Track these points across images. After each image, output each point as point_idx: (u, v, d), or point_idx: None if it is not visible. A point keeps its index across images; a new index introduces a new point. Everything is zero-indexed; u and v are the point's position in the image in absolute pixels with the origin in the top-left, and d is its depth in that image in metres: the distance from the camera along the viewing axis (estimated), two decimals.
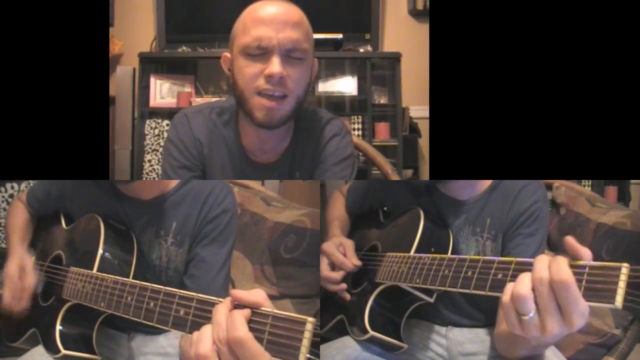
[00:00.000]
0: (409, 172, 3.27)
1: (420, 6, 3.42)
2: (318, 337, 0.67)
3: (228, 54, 1.19)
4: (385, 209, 1.35)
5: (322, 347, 1.19)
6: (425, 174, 3.41)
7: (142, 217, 1.17)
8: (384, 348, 1.18)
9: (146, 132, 3.04)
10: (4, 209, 2.23)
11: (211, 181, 1.20)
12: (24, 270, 1.16)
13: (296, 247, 1.46)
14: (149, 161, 3.01)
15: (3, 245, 2.36)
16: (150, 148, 3.02)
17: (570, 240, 0.75)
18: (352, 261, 1.22)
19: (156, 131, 3.03)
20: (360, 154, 1.70)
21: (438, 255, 1.03)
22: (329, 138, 1.27)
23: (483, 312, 1.23)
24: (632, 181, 3.37)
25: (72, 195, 1.23)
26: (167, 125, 3.02)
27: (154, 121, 3.04)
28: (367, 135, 3.12)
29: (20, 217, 1.31)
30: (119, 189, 1.18)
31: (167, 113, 3.08)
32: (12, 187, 2.25)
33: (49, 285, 1.17)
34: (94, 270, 1.05)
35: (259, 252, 1.52)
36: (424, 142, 3.43)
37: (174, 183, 1.19)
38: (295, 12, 1.14)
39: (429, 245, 1.14)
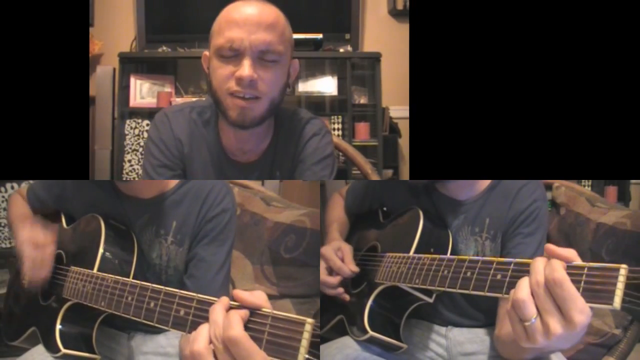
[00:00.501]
0: (389, 172, 3.28)
1: (400, 6, 3.42)
2: (318, 337, 0.67)
3: (207, 53, 1.20)
4: (384, 209, 1.35)
5: (322, 347, 1.19)
6: (405, 174, 3.40)
7: (142, 216, 1.17)
8: (383, 348, 1.18)
9: (126, 132, 3.04)
10: (4, 209, 2.23)
11: (211, 181, 1.20)
12: (38, 237, 1.14)
13: (296, 247, 1.46)
14: (129, 161, 3.01)
15: (3, 245, 2.36)
16: (130, 148, 3.02)
17: (549, 247, 0.76)
18: (350, 267, 1.22)
19: (136, 131, 3.04)
20: (340, 154, 1.70)
21: (437, 256, 1.03)
22: (308, 138, 1.27)
23: (483, 312, 1.23)
24: (632, 181, 3.37)
25: (73, 194, 1.23)
26: (147, 125, 3.02)
27: (134, 121, 3.04)
28: (347, 135, 3.14)
29: (22, 208, 1.31)
30: (119, 188, 1.18)
31: (147, 113, 3.08)
32: (12, 187, 2.25)
33: (49, 284, 1.17)
34: (95, 270, 1.06)
35: (259, 252, 1.52)
36: (404, 142, 3.44)
37: (173, 182, 1.19)
38: (270, 14, 1.13)
39: (428, 245, 1.14)
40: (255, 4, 1.13)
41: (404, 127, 3.36)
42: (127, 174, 2.99)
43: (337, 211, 1.47)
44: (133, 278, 1.01)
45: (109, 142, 2.98)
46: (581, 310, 0.70)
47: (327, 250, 1.26)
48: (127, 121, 3.04)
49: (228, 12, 1.13)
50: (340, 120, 3.18)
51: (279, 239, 1.49)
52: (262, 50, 1.11)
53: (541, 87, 1.11)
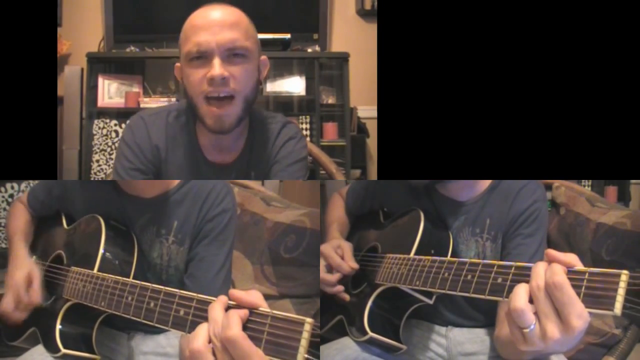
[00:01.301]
0: (357, 172, 3.30)
1: (368, 6, 3.43)
2: (317, 337, 0.67)
3: (179, 64, 1.23)
4: (385, 209, 1.35)
5: (321, 347, 1.19)
6: (373, 174, 3.42)
7: (143, 215, 1.17)
8: (383, 349, 1.18)
9: (94, 132, 3.05)
10: (4, 209, 2.24)
11: (212, 181, 1.20)
12: (31, 284, 1.15)
13: (296, 247, 1.46)
14: (97, 161, 3.03)
15: (3, 245, 2.36)
16: (98, 148, 3.04)
17: (550, 252, 0.76)
18: (349, 264, 1.22)
19: (104, 131, 3.05)
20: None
21: (438, 258, 1.03)
22: (285, 141, 1.30)
23: (483, 313, 1.23)
24: (632, 181, 3.37)
25: (73, 195, 1.23)
26: (115, 125, 3.04)
27: (102, 121, 3.06)
28: (315, 136, 3.15)
29: (21, 218, 1.31)
30: (121, 187, 1.18)
31: (115, 113, 3.09)
32: (12, 187, 2.26)
33: (49, 284, 1.17)
34: (95, 270, 1.06)
35: (259, 252, 1.52)
36: (372, 142, 3.45)
37: (175, 182, 1.19)
38: (232, 14, 1.17)
39: (428, 246, 1.14)
40: (216, 8, 1.17)
41: (372, 127, 3.37)
42: (95, 174, 3.00)
43: (338, 211, 1.47)
44: (133, 278, 1.02)
45: (77, 142, 3.00)
46: (579, 315, 0.70)
47: (326, 247, 1.26)
48: (95, 121, 3.06)
49: (192, 20, 1.17)
50: (308, 120, 3.20)
51: (279, 239, 1.49)
52: (230, 47, 1.15)
53: (527, 87, 1.11)
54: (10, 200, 2.23)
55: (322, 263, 1.26)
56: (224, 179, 1.28)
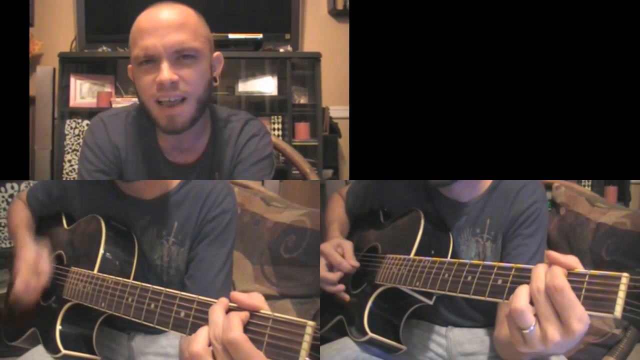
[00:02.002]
0: (329, 172, 3.31)
1: (340, 6, 3.43)
2: (318, 340, 0.67)
3: (131, 66, 1.21)
4: (385, 209, 1.35)
5: (321, 348, 1.19)
6: (345, 173, 3.43)
7: (143, 216, 1.17)
8: (383, 350, 1.18)
9: (66, 132, 3.06)
10: (4, 209, 2.23)
11: (212, 181, 1.20)
12: (39, 264, 1.15)
13: (296, 247, 1.46)
14: (69, 161, 3.03)
15: (3, 245, 2.36)
16: (71, 148, 3.05)
17: (550, 254, 0.76)
18: (350, 262, 1.22)
19: (76, 131, 3.06)
20: (280, 153, 1.71)
21: (438, 259, 1.03)
22: (247, 138, 1.27)
23: (482, 313, 1.23)
24: (632, 181, 3.37)
25: (73, 195, 1.23)
26: (88, 125, 3.02)
27: (74, 121, 3.07)
28: (287, 135, 3.16)
29: (23, 213, 1.31)
30: (121, 189, 1.18)
31: (87, 113, 3.10)
32: (12, 187, 2.26)
33: (50, 285, 1.17)
34: (95, 271, 1.06)
35: (259, 252, 1.52)
36: (344, 142, 3.45)
37: (175, 182, 1.19)
38: (179, 14, 1.14)
39: (429, 247, 1.14)
40: (163, 8, 1.14)
41: (344, 127, 3.38)
42: (67, 174, 3.01)
43: (338, 211, 1.47)
44: (133, 279, 1.01)
45: (49, 142, 3.00)
46: (580, 318, 0.70)
47: (326, 246, 1.26)
48: (67, 121, 3.07)
49: (138, 22, 1.15)
50: (280, 120, 3.22)
51: (279, 239, 1.49)
52: (177, 50, 1.12)
53: (519, 87, 1.11)
54: (10, 200, 2.23)
55: (323, 262, 1.26)
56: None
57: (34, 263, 1.14)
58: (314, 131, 3.21)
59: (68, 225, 1.23)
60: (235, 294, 0.73)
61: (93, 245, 1.10)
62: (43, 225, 1.31)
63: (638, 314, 0.67)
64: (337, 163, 3.41)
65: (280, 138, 2.60)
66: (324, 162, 3.21)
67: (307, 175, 1.65)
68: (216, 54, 1.22)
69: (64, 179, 2.92)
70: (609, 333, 1.33)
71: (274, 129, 3.19)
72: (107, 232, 1.11)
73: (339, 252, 1.24)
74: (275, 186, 2.24)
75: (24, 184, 2.30)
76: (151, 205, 1.17)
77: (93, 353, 1.09)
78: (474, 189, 1.22)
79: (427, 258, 1.06)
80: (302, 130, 3.20)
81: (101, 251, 1.08)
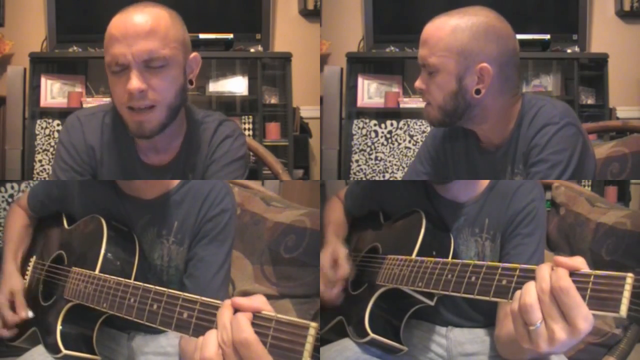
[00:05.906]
0: (299, 172, 3.31)
1: (310, 6, 3.41)
2: (318, 340, 0.67)
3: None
4: (385, 210, 1.35)
5: (321, 349, 1.19)
6: (316, 173, 3.42)
7: (143, 216, 1.17)
8: (384, 350, 1.18)
9: (37, 132, 3.06)
10: (4, 209, 2.23)
11: (211, 181, 1.20)
12: (17, 302, 1.20)
13: (296, 247, 1.46)
14: (40, 161, 3.04)
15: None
16: (41, 148, 3.05)
17: (558, 259, 0.75)
18: (339, 272, 1.24)
19: (47, 131, 3.06)
20: (251, 153, 1.70)
21: (440, 260, 1.03)
22: (221, 139, 1.26)
23: (483, 313, 1.23)
24: (632, 181, 3.36)
25: (74, 195, 1.23)
26: (58, 125, 3.06)
27: (45, 121, 3.07)
28: (257, 135, 3.17)
29: (18, 222, 1.32)
30: (121, 189, 1.18)
31: (58, 113, 3.10)
32: (12, 187, 2.25)
33: (50, 284, 1.17)
34: (97, 271, 1.06)
35: (259, 252, 1.52)
36: (314, 142, 3.45)
37: (175, 182, 1.19)
38: (149, 20, 1.12)
39: (430, 248, 1.14)
40: (134, 13, 1.13)
41: (315, 127, 3.38)
42: (37, 174, 3.01)
43: (335, 214, 1.47)
44: (134, 279, 1.01)
45: (20, 142, 3.01)
46: (585, 318, 0.71)
47: (323, 257, 1.27)
48: (38, 121, 3.07)
49: (110, 28, 1.13)
50: (251, 120, 3.22)
51: (279, 239, 1.49)
52: (146, 59, 1.11)
53: None
54: (10, 200, 2.23)
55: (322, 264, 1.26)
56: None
57: (7, 303, 1.19)
58: (284, 131, 3.22)
59: (68, 225, 1.23)
60: (237, 300, 0.73)
61: (94, 245, 1.10)
62: (43, 225, 1.31)
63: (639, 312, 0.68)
64: (307, 163, 3.41)
65: (251, 138, 2.60)
66: (295, 162, 3.22)
67: (280, 175, 1.65)
68: (193, 55, 1.20)
69: (35, 179, 2.93)
70: (609, 333, 1.33)
71: (244, 129, 3.19)
72: (109, 232, 1.11)
73: (334, 257, 1.25)
74: (275, 186, 2.24)
75: (24, 184, 2.30)
76: (151, 205, 1.17)
77: (93, 353, 1.09)
78: (472, 189, 1.22)
79: (429, 259, 1.06)
80: (273, 130, 3.22)
81: (102, 251, 1.08)
